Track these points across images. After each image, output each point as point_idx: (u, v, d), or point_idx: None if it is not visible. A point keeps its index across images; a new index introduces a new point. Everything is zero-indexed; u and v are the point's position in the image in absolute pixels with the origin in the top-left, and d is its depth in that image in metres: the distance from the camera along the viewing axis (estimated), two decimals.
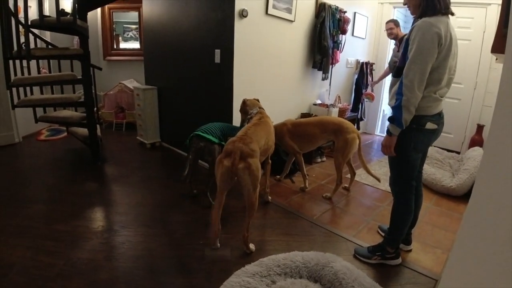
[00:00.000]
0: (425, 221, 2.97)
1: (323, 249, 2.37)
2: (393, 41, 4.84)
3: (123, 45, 6.55)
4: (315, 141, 3.48)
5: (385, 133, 2.06)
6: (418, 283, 2.16)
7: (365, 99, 5.57)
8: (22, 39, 3.35)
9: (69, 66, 4.23)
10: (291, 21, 3.99)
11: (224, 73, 3.57)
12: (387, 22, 4.48)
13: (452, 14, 1.91)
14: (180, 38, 4.13)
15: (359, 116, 5.60)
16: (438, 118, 2.03)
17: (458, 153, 4.77)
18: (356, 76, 5.64)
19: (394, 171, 2.23)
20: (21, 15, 3.56)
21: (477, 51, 4.81)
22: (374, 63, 5.81)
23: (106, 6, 6.10)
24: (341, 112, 4.74)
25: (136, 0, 5.69)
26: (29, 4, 3.26)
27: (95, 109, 4.01)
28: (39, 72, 4.35)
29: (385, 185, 3.72)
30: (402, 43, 2.02)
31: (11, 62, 3.57)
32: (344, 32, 4.73)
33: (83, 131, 4.10)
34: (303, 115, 4.51)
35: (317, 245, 2.54)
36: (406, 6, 2.05)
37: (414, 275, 2.23)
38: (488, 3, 4.63)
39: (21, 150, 4.43)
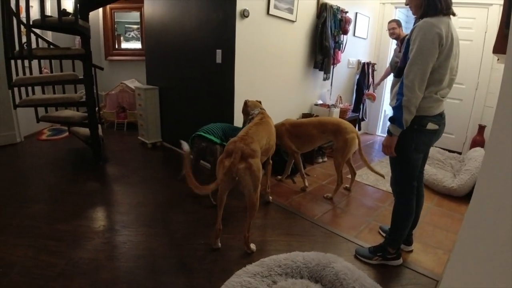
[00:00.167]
0: (426, 221, 2.97)
1: (324, 250, 2.37)
2: (394, 41, 4.83)
3: (124, 45, 6.56)
4: (314, 141, 3.49)
5: (386, 133, 2.06)
6: (419, 283, 2.15)
7: (367, 100, 5.57)
8: (24, 39, 3.36)
9: (71, 66, 4.24)
10: (293, 21, 3.99)
11: (225, 73, 3.57)
12: (389, 22, 4.48)
13: (454, 14, 1.91)
14: (182, 38, 4.13)
15: (360, 117, 5.59)
16: (440, 118, 2.02)
17: (460, 153, 4.76)
18: (357, 77, 5.64)
19: (395, 171, 2.22)
20: (22, 15, 3.57)
21: (478, 52, 4.80)
22: (375, 63, 5.81)
23: (108, 6, 6.11)
24: (343, 113, 4.73)
25: (137, 0, 5.69)
26: (30, 4, 3.26)
27: (97, 109, 4.01)
28: (40, 72, 4.37)
29: (386, 186, 3.71)
30: (404, 43, 2.02)
31: (13, 62, 3.59)
32: (345, 32, 4.73)
33: (85, 131, 4.11)
34: (304, 116, 4.51)
35: (318, 246, 2.54)
36: (408, 6, 2.05)
37: (415, 275, 2.23)
38: (489, 4, 4.62)
39: (22, 150, 4.44)
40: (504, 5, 2.43)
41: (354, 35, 5.25)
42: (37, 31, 3.88)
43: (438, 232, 2.83)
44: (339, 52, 4.77)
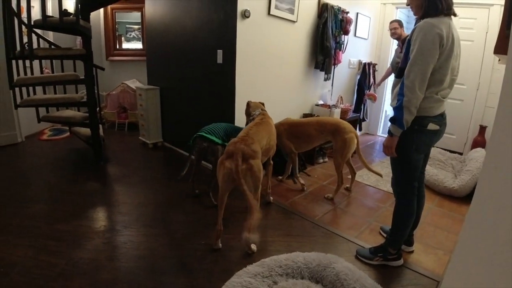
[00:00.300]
0: (427, 222, 2.96)
1: (324, 250, 2.37)
2: (395, 42, 4.83)
3: (125, 45, 6.56)
4: (312, 141, 3.49)
5: (387, 134, 2.05)
6: (419, 284, 2.15)
7: (368, 100, 5.57)
8: (25, 39, 3.37)
9: (72, 66, 4.25)
10: (293, 21, 3.99)
11: (226, 74, 3.57)
12: (391, 22, 4.48)
13: (455, 15, 1.91)
14: (183, 38, 4.13)
15: (361, 117, 5.59)
16: (441, 119, 2.02)
17: (461, 154, 4.75)
18: (358, 77, 5.63)
19: (396, 172, 2.22)
20: (24, 15, 3.58)
21: (479, 52, 4.80)
22: (376, 64, 5.80)
23: (109, 7, 6.11)
24: (343, 113, 4.73)
25: (138, 0, 5.70)
26: (32, 4, 3.26)
27: (98, 109, 4.02)
28: (42, 72, 4.36)
29: (387, 186, 3.71)
30: (405, 44, 2.02)
31: (14, 62, 3.59)
32: (346, 32, 4.72)
33: (86, 131, 4.12)
34: (305, 116, 4.51)
35: (319, 246, 2.53)
36: (409, 6, 2.05)
37: (415, 276, 2.23)
38: (491, 4, 4.61)
39: (23, 150, 4.45)
40: (505, 5, 2.42)
41: (355, 35, 5.25)
42: (38, 31, 3.88)
43: (438, 232, 2.82)
44: (340, 52, 4.77)
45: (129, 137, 5.36)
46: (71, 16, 3.48)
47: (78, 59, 3.82)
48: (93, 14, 3.93)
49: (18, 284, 1.95)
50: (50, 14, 3.94)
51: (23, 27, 3.36)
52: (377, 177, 3.89)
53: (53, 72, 4.37)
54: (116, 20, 6.36)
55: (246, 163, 2.24)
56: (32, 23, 3.34)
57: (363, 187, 3.79)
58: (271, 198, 3.24)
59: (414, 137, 2.00)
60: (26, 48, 3.32)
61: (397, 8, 5.71)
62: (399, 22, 4.39)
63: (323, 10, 4.29)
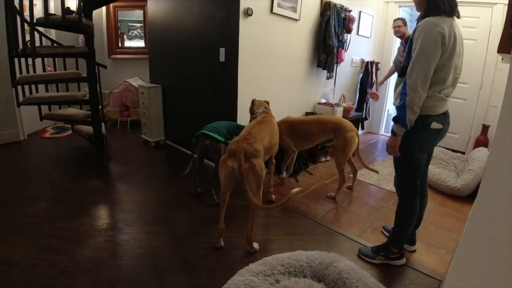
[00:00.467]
0: (429, 221, 2.96)
1: (327, 249, 2.37)
2: (398, 40, 4.82)
3: (127, 43, 6.57)
4: (313, 139, 3.49)
5: (390, 133, 2.05)
6: (422, 283, 2.15)
7: (370, 99, 5.56)
8: (28, 37, 3.37)
9: (74, 64, 4.25)
10: (296, 20, 3.98)
11: (228, 72, 3.57)
12: (395, 20, 4.46)
13: (458, 17, 1.90)
14: (185, 36, 4.13)
15: (363, 116, 5.58)
16: (444, 117, 2.01)
17: (463, 153, 4.74)
18: (361, 75, 5.62)
19: (399, 171, 2.21)
20: (26, 13, 3.57)
21: (482, 51, 4.78)
22: (379, 62, 5.79)
23: (111, 5, 6.11)
24: (346, 112, 4.72)
25: None
26: (34, 2, 3.26)
27: (100, 107, 4.02)
28: (44, 70, 4.37)
29: (390, 185, 3.71)
30: (408, 42, 2.01)
31: (16, 60, 3.59)
32: (349, 31, 4.71)
33: (88, 129, 4.12)
34: (307, 114, 4.50)
35: (321, 245, 2.53)
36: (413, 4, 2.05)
37: (418, 275, 2.23)
38: (494, 3, 4.59)
39: (26, 148, 4.46)
40: (509, 4, 2.41)
41: (357, 34, 5.23)
42: (41, 29, 3.88)
43: (441, 232, 2.82)
44: (343, 51, 4.76)
45: (131, 135, 5.36)
46: (73, 14, 3.48)
47: (81, 57, 3.82)
48: (95, 12, 3.93)
49: (20, 283, 1.95)
50: (53, 12, 3.93)
51: (26, 25, 3.35)
52: (379, 176, 3.89)
53: (55, 70, 4.37)
54: (118, 18, 6.36)
55: (249, 162, 2.24)
56: (35, 21, 3.34)
57: (365, 186, 3.79)
58: (273, 196, 3.24)
59: (417, 136, 2.00)
60: (29, 46, 3.32)
61: (400, 6, 5.69)
62: (403, 20, 4.37)
63: (325, 8, 4.28)
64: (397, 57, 4.57)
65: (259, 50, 3.64)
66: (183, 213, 2.93)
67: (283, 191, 3.47)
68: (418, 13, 2.02)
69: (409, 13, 6.09)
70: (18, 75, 3.62)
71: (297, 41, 4.14)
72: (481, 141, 4.79)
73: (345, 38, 4.74)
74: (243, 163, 2.20)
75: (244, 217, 2.74)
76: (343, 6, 4.50)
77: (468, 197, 3.44)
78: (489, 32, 4.70)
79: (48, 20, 3.31)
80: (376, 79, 5.63)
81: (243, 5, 3.29)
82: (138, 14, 6.36)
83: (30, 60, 3.83)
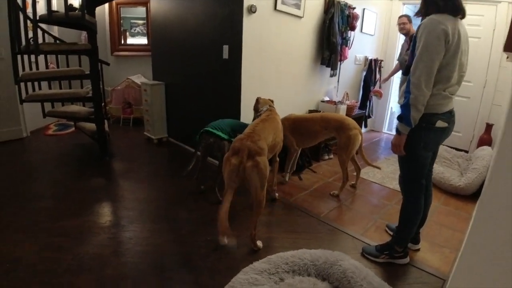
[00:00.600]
0: (433, 220, 2.95)
1: (330, 247, 2.36)
2: (402, 38, 4.78)
3: (130, 40, 6.55)
4: (316, 137, 3.49)
5: (395, 132, 2.03)
6: (426, 282, 2.14)
7: (373, 97, 5.54)
8: (30, 34, 3.36)
9: (77, 61, 4.25)
10: (300, 17, 3.96)
11: (232, 69, 3.56)
12: (400, 17, 4.43)
13: (463, 17, 1.89)
14: (188, 33, 4.12)
15: (367, 114, 5.56)
16: (449, 116, 2.00)
17: (467, 152, 4.72)
18: (364, 73, 5.60)
19: (404, 170, 2.20)
20: (29, 10, 3.57)
21: (487, 49, 4.75)
22: (382, 60, 5.77)
23: (114, 1, 6.11)
24: (349, 109, 4.70)
25: None
26: None
27: (103, 104, 4.02)
28: (47, 67, 4.37)
29: (393, 183, 3.70)
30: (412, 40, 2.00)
31: (19, 57, 3.59)
32: (353, 28, 4.69)
33: (91, 126, 4.12)
34: (311, 112, 4.48)
35: (325, 243, 2.53)
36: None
37: (422, 274, 2.22)
38: (498, 1, 4.56)
39: (29, 145, 4.46)
40: None
41: (361, 31, 5.20)
42: (44, 26, 3.88)
43: (444, 231, 2.81)
44: (346, 48, 4.74)
45: (134, 133, 5.36)
46: (76, 11, 3.48)
47: (84, 54, 3.82)
48: (98, 9, 3.91)
49: (23, 280, 1.95)
50: (56, 9, 3.92)
51: (28, 22, 3.35)
52: (382, 174, 3.88)
53: (58, 67, 4.37)
54: (121, 15, 6.35)
55: (252, 160, 2.23)
56: (38, 18, 3.34)
57: (369, 184, 3.78)
58: (277, 194, 3.24)
59: (422, 134, 1.98)
60: (32, 43, 3.32)
61: (404, 4, 5.65)
62: (408, 17, 4.34)
63: (329, 5, 4.25)
64: (403, 56, 4.55)
65: (262, 47, 3.62)
66: (186, 211, 2.93)
67: (287, 189, 3.46)
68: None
69: (413, 10, 6.05)
70: (21, 72, 3.62)
71: (300, 38, 4.12)
72: (485, 139, 4.76)
73: (349, 36, 4.71)
74: (245, 161, 2.19)
75: (248, 216, 2.74)
76: (347, 3, 4.47)
77: (471, 196, 3.42)
78: (494, 30, 4.66)
79: (51, 17, 3.30)
80: (380, 77, 5.60)
81: (246, 2, 3.27)
82: (140, 11, 6.34)
83: (33, 57, 3.82)
